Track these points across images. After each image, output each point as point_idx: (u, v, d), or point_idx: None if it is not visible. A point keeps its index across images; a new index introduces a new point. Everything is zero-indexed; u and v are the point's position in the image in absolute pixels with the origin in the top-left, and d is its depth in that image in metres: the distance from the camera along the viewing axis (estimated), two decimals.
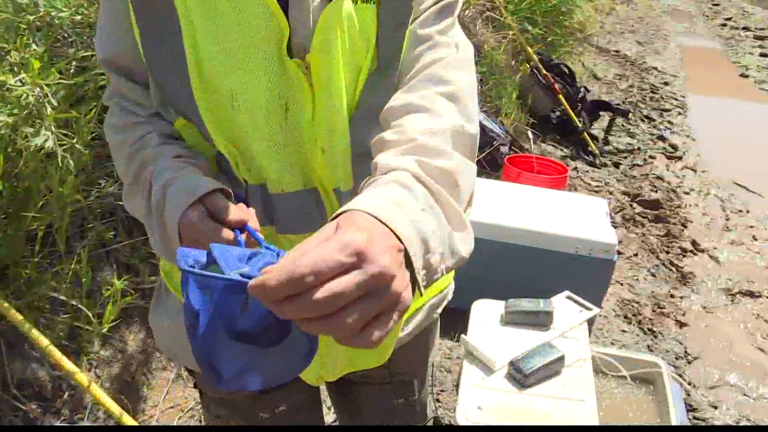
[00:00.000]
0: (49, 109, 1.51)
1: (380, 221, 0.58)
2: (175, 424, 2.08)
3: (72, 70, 1.96)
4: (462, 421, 1.65)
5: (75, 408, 1.90)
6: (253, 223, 0.79)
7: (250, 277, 0.55)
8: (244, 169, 0.89)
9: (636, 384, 1.96)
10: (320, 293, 0.50)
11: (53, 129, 1.53)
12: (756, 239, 3.91)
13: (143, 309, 2.22)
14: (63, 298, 1.91)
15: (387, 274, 0.53)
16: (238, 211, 0.78)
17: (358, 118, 0.88)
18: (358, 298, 0.52)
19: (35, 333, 1.72)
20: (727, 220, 4.13)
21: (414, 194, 0.67)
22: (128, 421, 1.75)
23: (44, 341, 1.72)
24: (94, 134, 1.94)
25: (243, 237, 0.77)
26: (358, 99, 0.87)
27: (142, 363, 2.14)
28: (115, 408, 1.75)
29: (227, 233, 0.76)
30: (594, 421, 1.63)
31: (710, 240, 3.84)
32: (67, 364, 1.73)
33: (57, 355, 1.72)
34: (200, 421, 2.12)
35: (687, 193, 4.44)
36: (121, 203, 2.12)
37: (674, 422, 1.74)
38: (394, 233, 0.58)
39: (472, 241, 0.73)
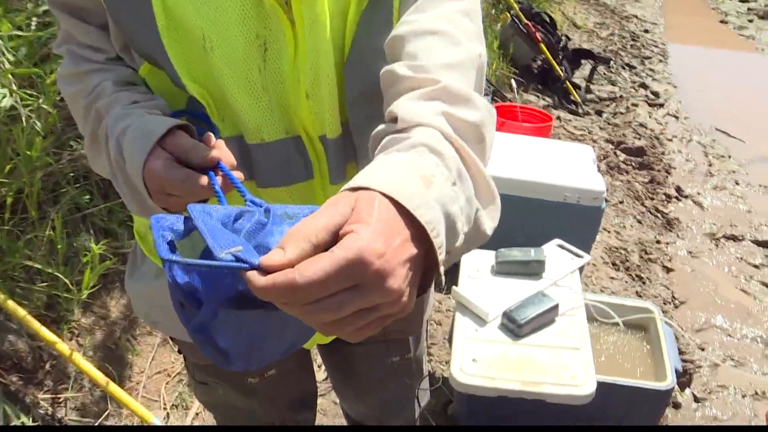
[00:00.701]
0: (6, 64, 1.41)
1: (403, 209, 0.51)
2: (162, 389, 2.04)
3: (33, 26, 1.85)
4: (457, 374, 1.63)
5: (58, 378, 1.85)
6: (226, 157, 0.71)
7: (243, 260, 0.48)
8: (218, 119, 0.81)
9: (629, 330, 1.95)
10: (321, 308, 0.47)
11: (14, 87, 1.44)
12: (738, 184, 3.92)
13: (124, 274, 2.15)
14: (38, 266, 1.84)
15: (396, 295, 0.49)
16: (205, 148, 0.69)
17: (351, 60, 0.80)
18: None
19: (11, 304, 1.66)
20: (710, 165, 4.13)
21: (445, 163, 0.59)
22: (114, 389, 1.70)
23: (21, 312, 1.66)
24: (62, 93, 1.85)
25: (219, 180, 0.68)
26: (350, 39, 0.79)
27: (126, 329, 2.09)
28: (100, 377, 1.70)
29: (199, 179, 0.67)
30: (590, 369, 1.61)
31: (694, 186, 3.84)
32: (47, 334, 1.67)
33: (35, 325, 1.66)
34: (188, 385, 2.08)
35: (670, 140, 4.42)
36: None
37: (668, 367, 1.74)
38: (420, 221, 0.51)
39: (499, 213, 0.66)
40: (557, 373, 1.61)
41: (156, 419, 1.75)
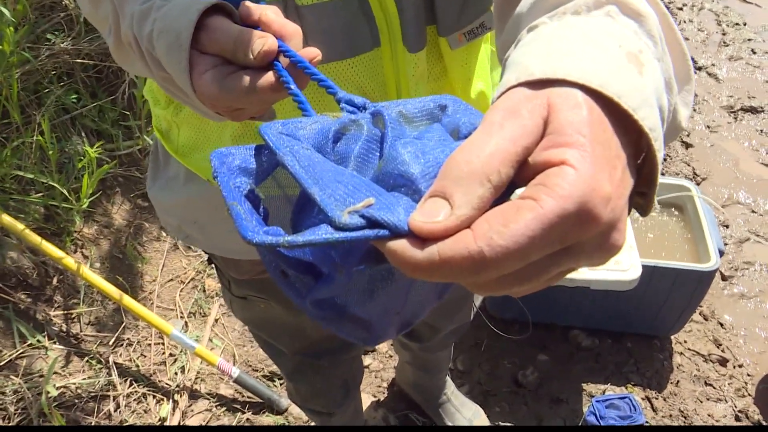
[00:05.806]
0: None
1: (615, 110, 0.32)
2: (177, 296, 1.95)
3: None
4: None
5: (68, 293, 1.74)
6: (290, 34, 0.48)
7: (382, 223, 0.29)
8: None
9: (664, 209, 1.85)
10: (510, 282, 0.30)
11: None
12: (755, 53, 3.72)
13: (125, 178, 2.00)
14: (30, 175, 1.69)
15: (617, 252, 0.31)
16: (251, 35, 0.46)
17: None
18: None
19: (7, 218, 1.52)
20: (724, 34, 3.91)
21: (647, 28, 0.38)
22: (129, 302, 1.61)
23: (18, 225, 1.53)
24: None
25: (286, 68, 0.45)
26: None
27: (132, 236, 1.97)
28: (112, 290, 1.60)
29: (265, 85, 0.46)
30: (634, 252, 1.52)
31: (708, 57, 3.65)
32: (49, 248, 1.55)
33: (35, 238, 1.54)
34: (204, 290, 1.99)
35: (680, 9, 4.17)
36: (79, 60, 1.83)
37: (711, 247, 1.65)
38: (641, 126, 0.33)
39: (693, 95, 0.45)
40: None
41: (175, 329, 1.67)
